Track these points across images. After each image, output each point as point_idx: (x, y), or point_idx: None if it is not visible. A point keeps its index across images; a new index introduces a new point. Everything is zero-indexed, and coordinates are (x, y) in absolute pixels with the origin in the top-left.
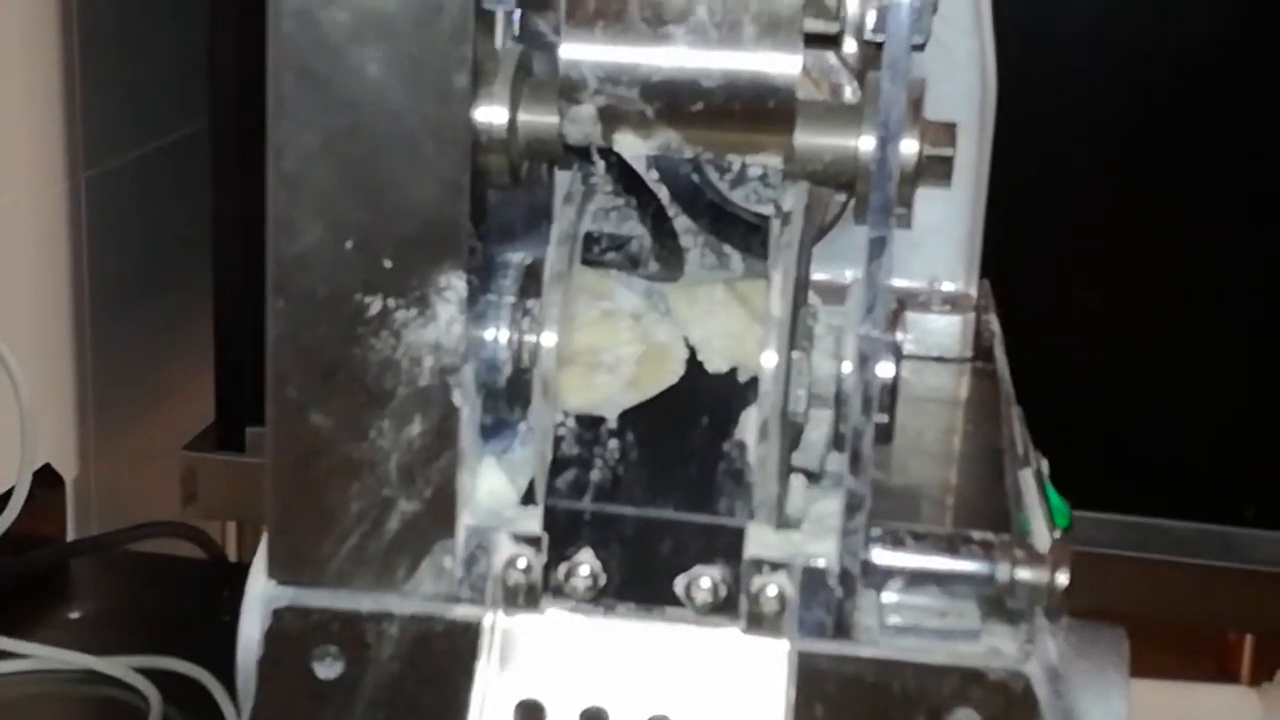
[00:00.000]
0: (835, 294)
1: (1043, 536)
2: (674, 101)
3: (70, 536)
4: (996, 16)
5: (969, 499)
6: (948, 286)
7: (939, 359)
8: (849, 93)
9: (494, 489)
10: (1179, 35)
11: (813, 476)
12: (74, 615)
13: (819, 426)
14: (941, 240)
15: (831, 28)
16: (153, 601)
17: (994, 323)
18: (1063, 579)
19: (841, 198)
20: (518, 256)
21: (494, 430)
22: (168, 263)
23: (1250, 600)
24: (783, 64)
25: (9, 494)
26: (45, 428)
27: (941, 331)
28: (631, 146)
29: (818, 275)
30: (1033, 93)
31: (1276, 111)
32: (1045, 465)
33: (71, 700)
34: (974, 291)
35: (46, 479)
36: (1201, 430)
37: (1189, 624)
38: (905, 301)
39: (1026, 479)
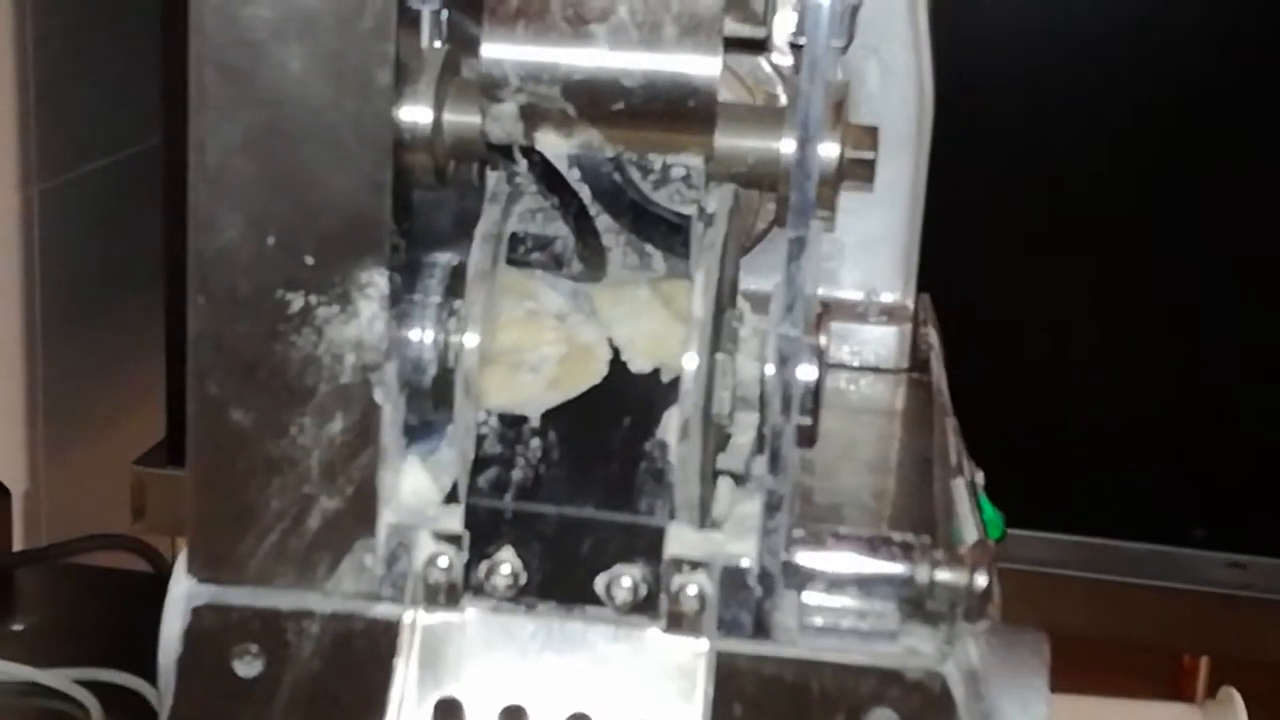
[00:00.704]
0: (768, 303)
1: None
2: (595, 100)
3: (18, 549)
4: (934, 30)
5: (896, 506)
6: (885, 298)
7: (875, 369)
8: (783, 100)
9: (417, 488)
10: (1127, 42)
11: (739, 479)
12: (17, 627)
13: (747, 430)
14: (879, 252)
15: (758, 32)
16: (97, 614)
17: (932, 335)
18: (981, 581)
19: (774, 206)
20: (445, 258)
21: (420, 431)
22: (120, 277)
23: (1199, 621)
24: (703, 65)
25: None
26: None
27: (878, 342)
28: (553, 145)
29: (751, 284)
30: (973, 105)
31: (1231, 119)
32: (980, 477)
33: (12, 712)
34: (911, 303)
35: None
36: (1151, 450)
37: (1139, 645)
38: (834, 309)
39: (959, 488)
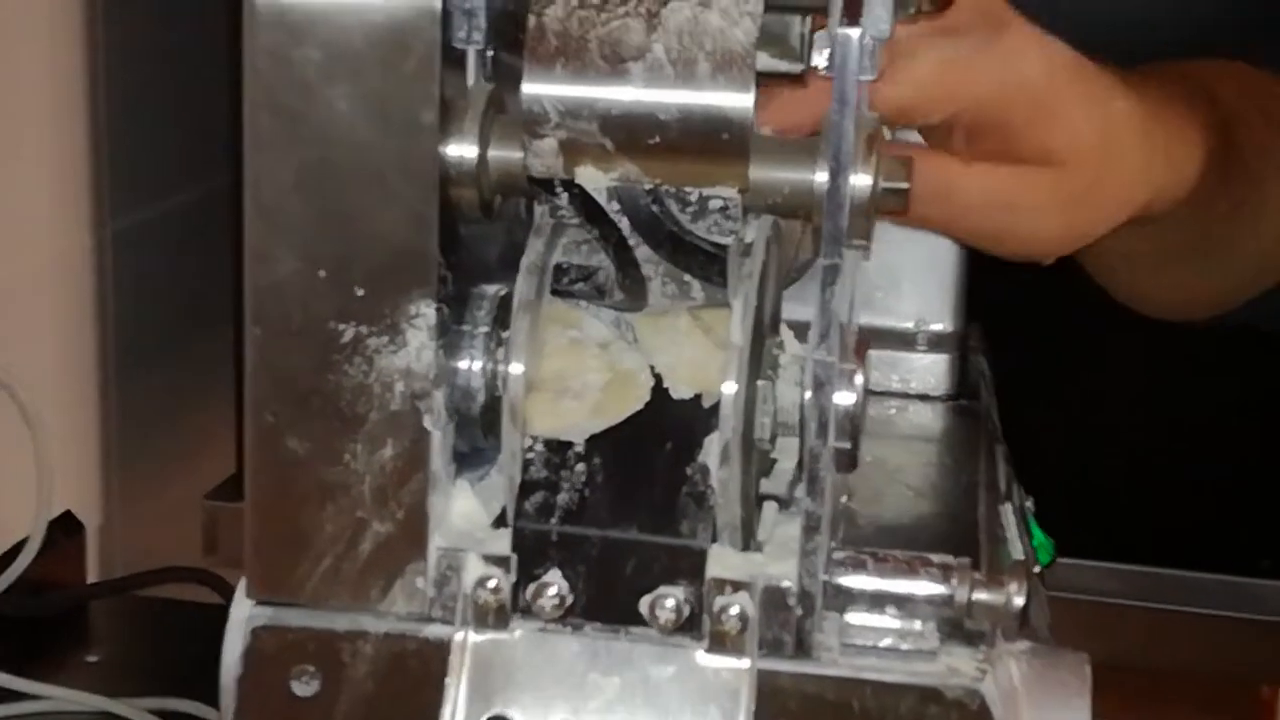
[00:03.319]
0: None
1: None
2: (632, 135)
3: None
4: None
5: (941, 530)
6: (935, 326)
7: (923, 397)
8: None
9: (467, 513)
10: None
11: (783, 503)
12: (92, 659)
13: (790, 456)
14: (927, 281)
15: (795, 67)
16: (169, 646)
17: (983, 364)
18: (1019, 600)
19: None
20: (493, 289)
21: (470, 458)
22: (192, 314)
23: (1267, 651)
24: (736, 99)
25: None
26: (68, 476)
27: (926, 370)
28: (592, 178)
29: (796, 314)
30: None
31: None
32: (1031, 503)
33: None
34: (959, 331)
35: (67, 526)
36: (1216, 481)
37: (1205, 676)
38: (883, 338)
39: (1006, 513)
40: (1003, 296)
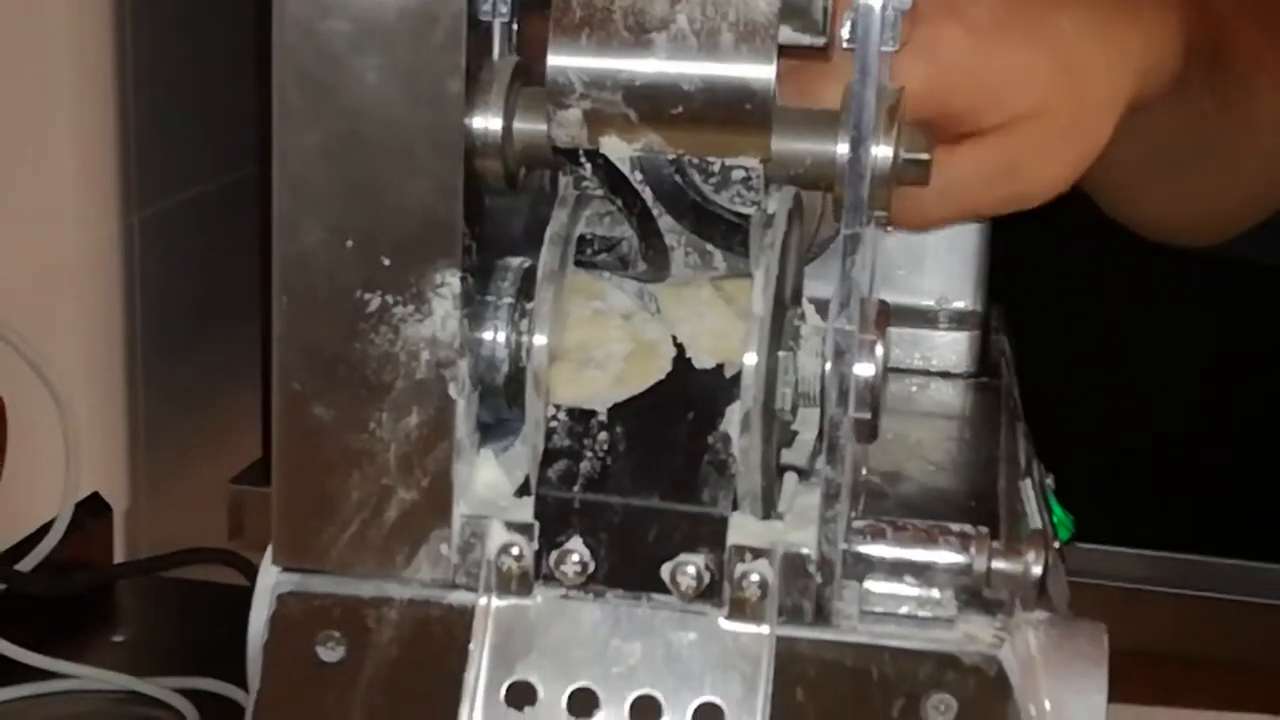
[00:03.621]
0: None
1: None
2: (655, 105)
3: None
4: None
5: (959, 503)
6: (957, 304)
7: (945, 374)
8: None
9: (491, 482)
10: None
11: (803, 474)
12: (118, 638)
13: (811, 427)
14: (949, 259)
15: (818, 41)
16: (195, 626)
17: (1004, 343)
18: (1037, 569)
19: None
20: (517, 262)
21: (495, 429)
22: (218, 301)
23: None
24: (758, 70)
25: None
26: (96, 459)
27: (948, 348)
28: (616, 148)
29: (817, 292)
30: None
31: None
32: (1051, 480)
33: (114, 719)
34: (981, 309)
35: (95, 508)
36: (1240, 466)
37: (1229, 663)
38: (905, 315)
39: (1026, 489)
40: (1027, 278)
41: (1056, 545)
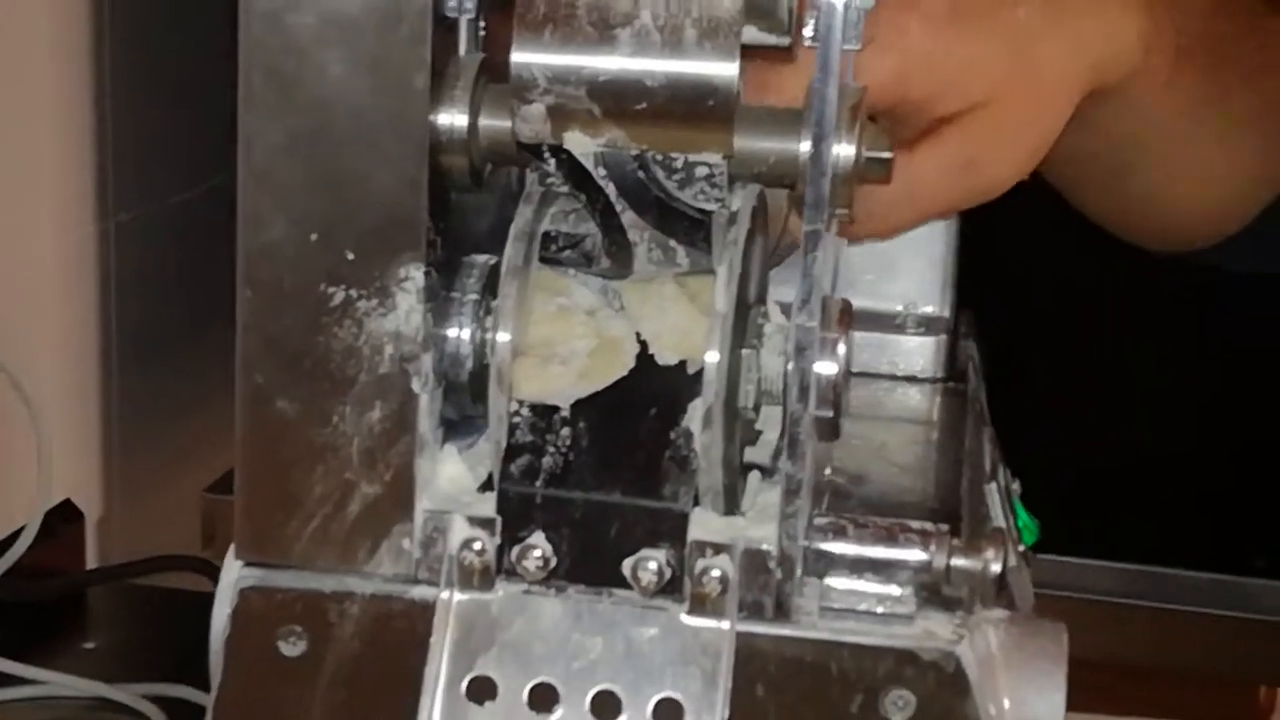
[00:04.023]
0: None
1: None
2: (619, 101)
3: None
4: None
5: (923, 503)
6: (925, 309)
7: (912, 379)
8: None
9: (454, 477)
10: None
11: (766, 472)
12: (89, 645)
13: (774, 426)
14: (917, 264)
15: (783, 41)
16: (166, 633)
17: (972, 349)
18: (996, 567)
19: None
20: (483, 259)
21: (460, 426)
22: (195, 308)
23: (1263, 651)
24: (722, 67)
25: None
26: (69, 466)
27: (915, 353)
28: (580, 144)
29: (785, 297)
30: None
31: None
32: (1018, 485)
33: None
34: (949, 314)
35: (67, 514)
36: (1212, 479)
37: (1200, 676)
38: (873, 320)
39: (991, 492)
40: (998, 284)
41: (1021, 549)
